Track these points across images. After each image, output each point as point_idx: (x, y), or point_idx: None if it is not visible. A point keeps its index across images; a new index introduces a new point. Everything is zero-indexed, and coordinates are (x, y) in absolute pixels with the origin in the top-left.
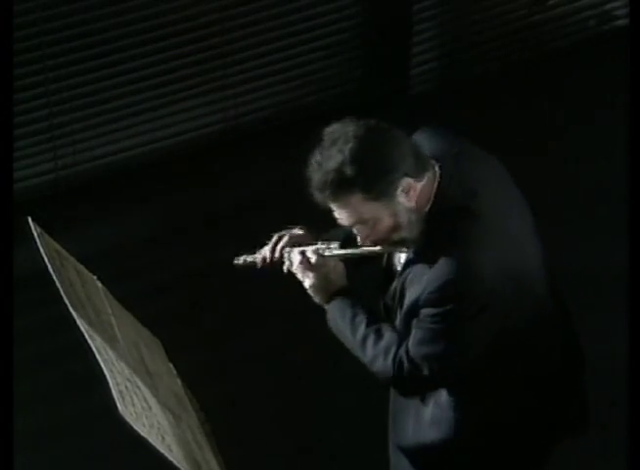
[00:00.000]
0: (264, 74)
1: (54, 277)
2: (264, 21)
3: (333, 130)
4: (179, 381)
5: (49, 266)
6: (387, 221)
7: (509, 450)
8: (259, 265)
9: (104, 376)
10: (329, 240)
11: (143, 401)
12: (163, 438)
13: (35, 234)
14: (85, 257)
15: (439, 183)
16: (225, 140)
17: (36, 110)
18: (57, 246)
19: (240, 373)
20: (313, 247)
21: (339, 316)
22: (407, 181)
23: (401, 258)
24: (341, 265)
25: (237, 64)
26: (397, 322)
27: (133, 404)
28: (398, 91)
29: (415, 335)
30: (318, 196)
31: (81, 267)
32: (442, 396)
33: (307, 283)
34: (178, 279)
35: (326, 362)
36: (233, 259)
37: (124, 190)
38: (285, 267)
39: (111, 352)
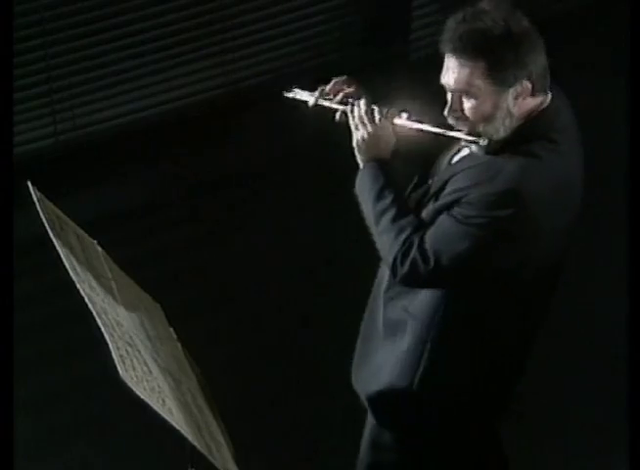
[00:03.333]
0: (264, 39)
1: (54, 242)
2: None
3: (493, 3)
4: (179, 345)
5: (49, 231)
6: (487, 106)
7: (469, 404)
8: (312, 103)
9: (104, 340)
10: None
11: (143, 365)
12: (164, 401)
13: (35, 199)
14: (85, 221)
15: (545, 109)
16: (224, 104)
17: (35, 74)
18: (57, 210)
19: (240, 337)
20: (383, 107)
21: (370, 180)
22: (527, 85)
23: (452, 158)
24: (394, 140)
25: (236, 28)
26: (424, 214)
27: (134, 368)
28: (398, 56)
29: (438, 228)
30: (446, 45)
31: (81, 232)
32: (415, 331)
33: (359, 135)
34: (178, 244)
35: (326, 327)
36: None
37: (124, 154)
38: (339, 114)
39: (111, 317)
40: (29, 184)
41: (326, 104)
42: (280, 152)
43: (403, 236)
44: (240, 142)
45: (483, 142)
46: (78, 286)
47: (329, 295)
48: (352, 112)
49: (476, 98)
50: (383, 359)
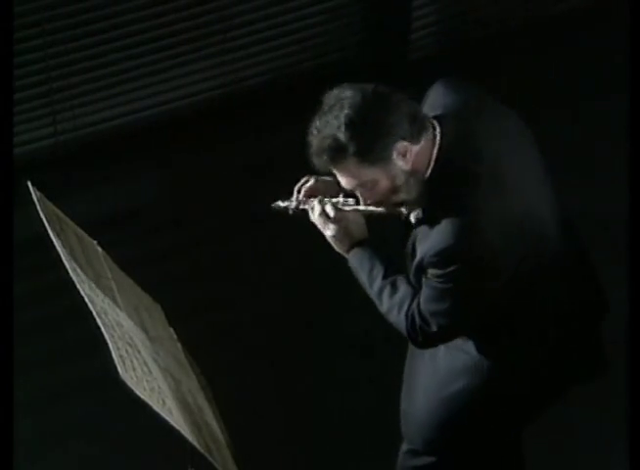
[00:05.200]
0: (263, 40)
1: (54, 242)
2: None
3: (330, 96)
4: (179, 345)
5: (49, 231)
6: (384, 184)
7: (522, 395)
8: (291, 212)
9: (104, 340)
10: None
11: (143, 366)
12: (164, 401)
13: (35, 199)
14: (85, 221)
15: (440, 146)
16: (224, 105)
17: (35, 74)
18: (57, 210)
19: (240, 338)
20: (333, 200)
21: (358, 266)
22: (403, 145)
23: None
24: (361, 218)
25: (236, 28)
26: (411, 276)
27: (134, 369)
28: (397, 57)
29: (423, 292)
30: (316, 161)
31: (81, 232)
32: (461, 341)
33: (328, 234)
34: (178, 244)
35: (327, 330)
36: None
37: (124, 155)
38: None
39: (111, 317)
40: (29, 184)
41: (301, 207)
42: (280, 152)
43: (404, 309)
44: (240, 142)
45: (405, 210)
46: (78, 286)
47: (330, 295)
48: (313, 215)
49: (372, 184)
50: (444, 397)
